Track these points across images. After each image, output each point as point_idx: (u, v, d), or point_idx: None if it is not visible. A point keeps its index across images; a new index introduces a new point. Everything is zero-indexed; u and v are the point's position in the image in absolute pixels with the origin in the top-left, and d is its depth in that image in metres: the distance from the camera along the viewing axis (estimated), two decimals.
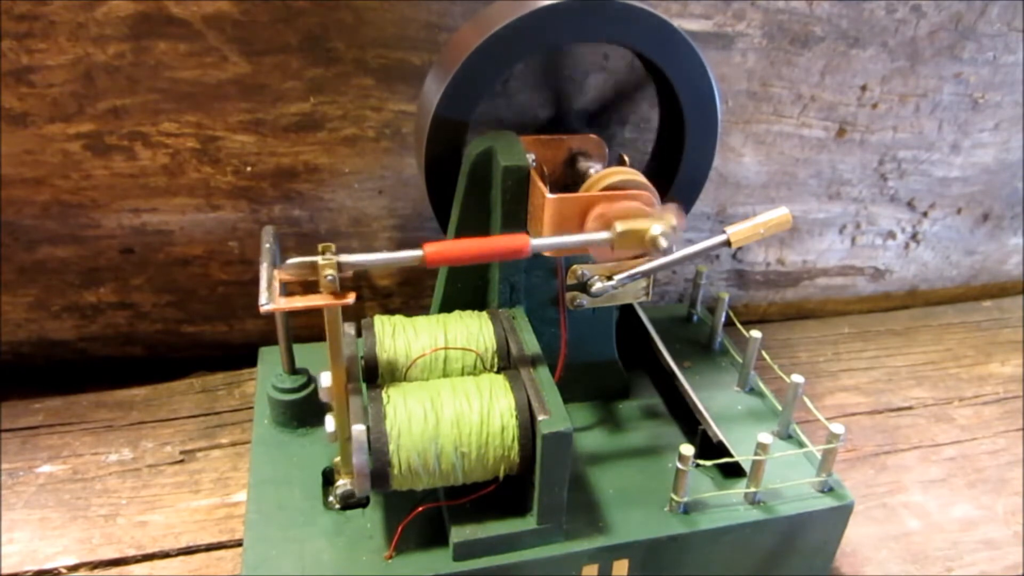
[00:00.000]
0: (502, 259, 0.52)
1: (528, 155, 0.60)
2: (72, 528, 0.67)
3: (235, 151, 0.76)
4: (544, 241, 0.53)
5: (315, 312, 0.49)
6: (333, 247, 0.49)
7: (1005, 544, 0.74)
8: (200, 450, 0.76)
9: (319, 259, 0.47)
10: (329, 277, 0.47)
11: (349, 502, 0.58)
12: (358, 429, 0.49)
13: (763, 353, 0.71)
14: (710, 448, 0.63)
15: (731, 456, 0.61)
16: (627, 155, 0.65)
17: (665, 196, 0.70)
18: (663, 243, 0.54)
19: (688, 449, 0.56)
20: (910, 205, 1.01)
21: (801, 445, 0.65)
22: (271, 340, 0.70)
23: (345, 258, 0.48)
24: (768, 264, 1.01)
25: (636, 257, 0.60)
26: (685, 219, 0.57)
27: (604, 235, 0.54)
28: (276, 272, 0.49)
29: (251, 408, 0.75)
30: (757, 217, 0.59)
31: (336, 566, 0.54)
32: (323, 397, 0.53)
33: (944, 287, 1.13)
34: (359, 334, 0.59)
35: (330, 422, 0.53)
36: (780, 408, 0.67)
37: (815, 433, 0.67)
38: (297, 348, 0.67)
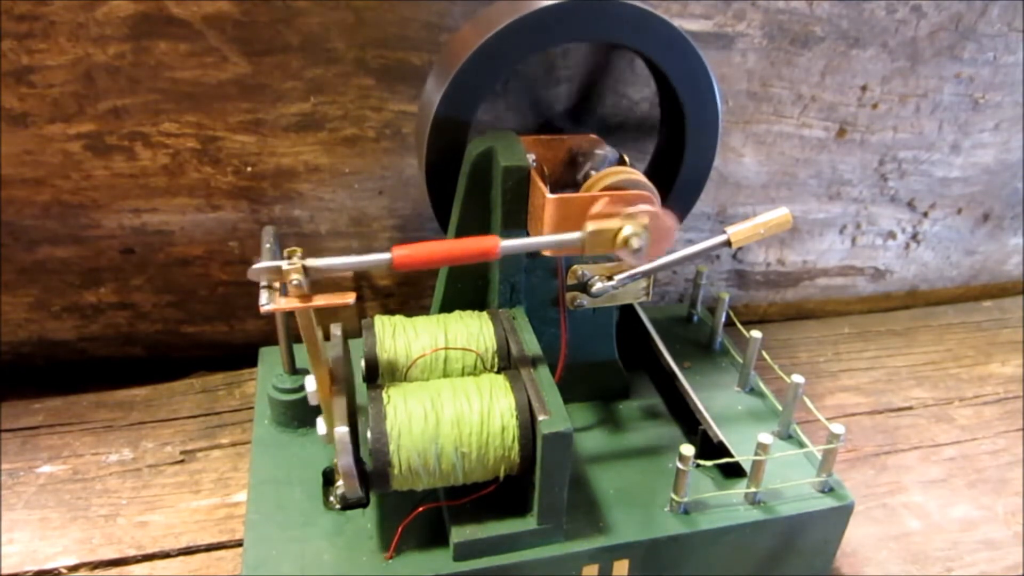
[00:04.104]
0: (471, 261, 0.51)
1: (528, 155, 0.60)
2: (72, 528, 0.67)
3: (235, 151, 0.76)
4: (514, 243, 0.51)
5: (316, 312, 0.49)
6: (299, 251, 0.48)
7: (1005, 544, 0.74)
8: (200, 450, 0.76)
9: (283, 264, 0.46)
10: (295, 282, 0.47)
11: (349, 502, 0.58)
12: (340, 431, 0.49)
13: (763, 353, 0.71)
14: (710, 448, 0.63)
15: (731, 456, 0.61)
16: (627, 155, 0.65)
17: (666, 196, 0.70)
18: (635, 244, 0.52)
19: (688, 449, 0.56)
20: (910, 205, 1.01)
21: (801, 445, 0.65)
22: (271, 340, 0.70)
23: (311, 262, 0.47)
24: (768, 264, 1.01)
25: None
26: (678, 225, 0.56)
27: (575, 235, 0.53)
28: None
29: (251, 408, 0.75)
30: (757, 217, 0.59)
31: (336, 566, 0.54)
32: (311, 400, 0.53)
33: (944, 287, 1.13)
34: (358, 334, 0.59)
35: (321, 424, 0.53)
36: (780, 408, 0.67)
37: (815, 433, 0.67)
38: (297, 348, 0.67)
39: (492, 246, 0.50)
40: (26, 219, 0.76)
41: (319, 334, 0.51)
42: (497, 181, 0.60)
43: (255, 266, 0.47)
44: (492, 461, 0.52)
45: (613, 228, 0.53)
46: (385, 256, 0.49)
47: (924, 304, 1.13)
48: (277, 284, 0.48)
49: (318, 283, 0.48)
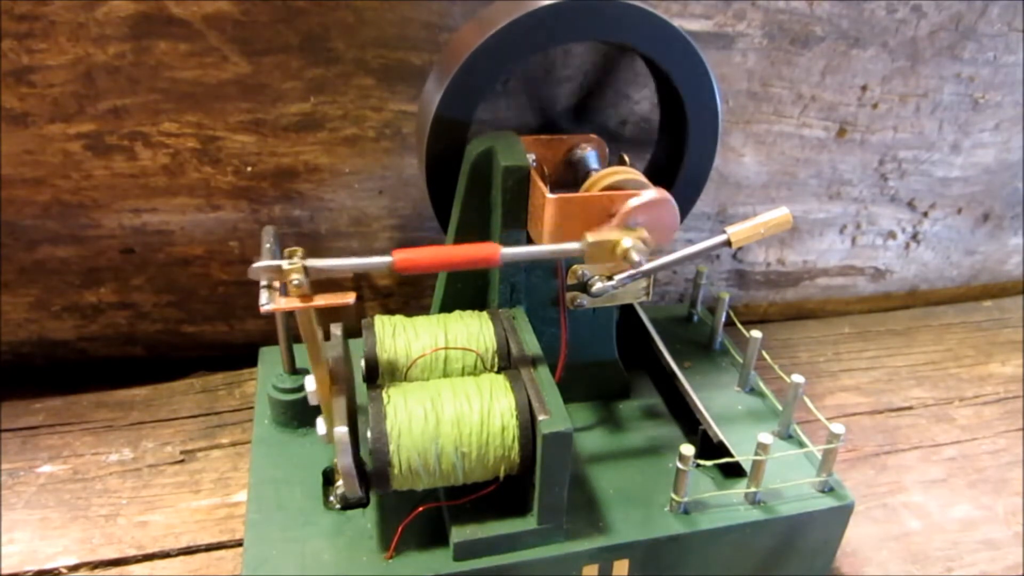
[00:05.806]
0: (471, 267, 0.51)
1: (528, 155, 0.60)
2: (72, 528, 0.67)
3: (235, 151, 0.76)
4: (515, 251, 0.52)
5: (316, 312, 0.49)
6: (300, 251, 0.48)
7: (1005, 544, 0.74)
8: (200, 450, 0.76)
9: (284, 263, 0.46)
10: (296, 282, 0.47)
11: (349, 502, 0.58)
12: (340, 431, 0.49)
13: (763, 353, 0.71)
14: (710, 448, 0.63)
15: (731, 456, 0.61)
16: (627, 155, 0.65)
17: None
18: (634, 257, 0.53)
19: (688, 449, 0.56)
20: (910, 205, 1.01)
21: (801, 445, 0.65)
22: (271, 340, 0.70)
23: (312, 263, 0.47)
24: (768, 264, 1.01)
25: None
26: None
27: (575, 245, 0.54)
28: None
29: (251, 408, 0.75)
30: (757, 217, 0.59)
31: (336, 566, 0.54)
32: (311, 400, 0.53)
33: (944, 287, 1.13)
34: (358, 334, 0.59)
35: (321, 424, 0.53)
36: (780, 408, 0.67)
37: (815, 433, 0.67)
38: (297, 348, 0.67)
39: (493, 253, 0.50)
40: (26, 219, 0.76)
41: (319, 334, 0.51)
42: (497, 181, 0.60)
43: (255, 265, 0.47)
44: (492, 461, 0.52)
45: (613, 240, 0.53)
46: (386, 259, 0.49)
47: (924, 304, 1.13)
48: (277, 284, 0.48)
49: (318, 283, 0.48)
